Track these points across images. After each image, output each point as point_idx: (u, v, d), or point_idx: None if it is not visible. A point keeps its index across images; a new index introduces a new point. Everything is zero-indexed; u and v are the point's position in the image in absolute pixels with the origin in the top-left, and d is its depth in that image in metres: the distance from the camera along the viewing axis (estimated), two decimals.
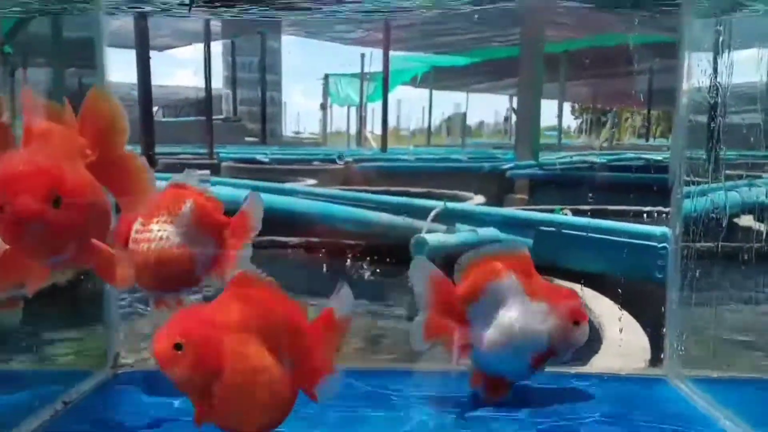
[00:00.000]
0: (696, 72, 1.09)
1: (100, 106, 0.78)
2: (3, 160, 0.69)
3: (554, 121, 14.96)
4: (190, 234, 0.92)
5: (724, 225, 1.06)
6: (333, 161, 6.99)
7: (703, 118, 1.08)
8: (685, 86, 1.11)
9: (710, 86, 1.06)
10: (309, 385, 0.76)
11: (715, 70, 1.05)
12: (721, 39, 1.04)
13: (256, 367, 0.70)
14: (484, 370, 0.95)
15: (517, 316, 0.93)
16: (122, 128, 0.79)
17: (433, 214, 2.62)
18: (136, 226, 0.90)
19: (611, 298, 1.94)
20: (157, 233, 0.90)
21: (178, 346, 0.66)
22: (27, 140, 0.72)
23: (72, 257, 0.73)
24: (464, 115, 19.84)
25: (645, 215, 2.59)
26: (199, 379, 0.68)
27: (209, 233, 0.94)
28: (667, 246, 1.14)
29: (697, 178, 1.10)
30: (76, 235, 0.72)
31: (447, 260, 0.98)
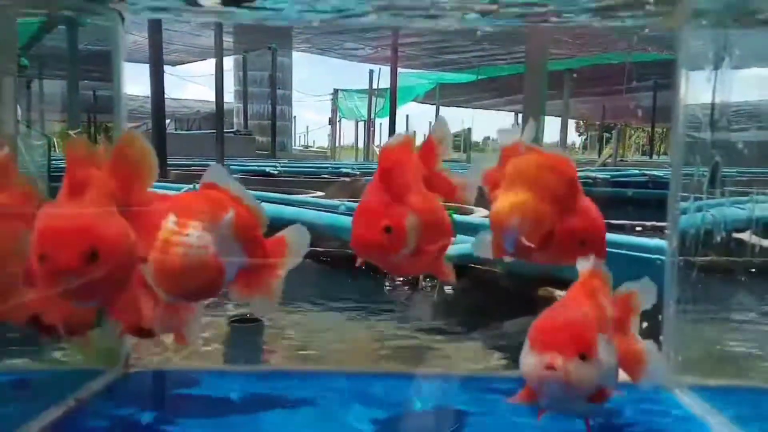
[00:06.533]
0: (693, 88, 1.11)
1: (133, 150, 0.81)
2: (46, 212, 0.74)
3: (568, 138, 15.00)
4: (225, 247, 0.81)
5: (720, 239, 1.08)
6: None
7: (701, 135, 1.11)
8: (681, 103, 1.14)
9: (706, 103, 1.08)
10: None
11: (713, 87, 1.08)
12: (718, 56, 1.06)
13: None
14: None
15: None
16: (151, 171, 0.83)
17: None
18: (169, 225, 0.79)
19: None
20: (195, 239, 0.79)
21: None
22: (69, 188, 0.75)
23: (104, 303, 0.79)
24: (469, 130, 19.95)
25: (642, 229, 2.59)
26: None
27: (245, 251, 0.86)
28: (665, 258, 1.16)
29: (694, 194, 1.12)
30: (111, 286, 0.76)
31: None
